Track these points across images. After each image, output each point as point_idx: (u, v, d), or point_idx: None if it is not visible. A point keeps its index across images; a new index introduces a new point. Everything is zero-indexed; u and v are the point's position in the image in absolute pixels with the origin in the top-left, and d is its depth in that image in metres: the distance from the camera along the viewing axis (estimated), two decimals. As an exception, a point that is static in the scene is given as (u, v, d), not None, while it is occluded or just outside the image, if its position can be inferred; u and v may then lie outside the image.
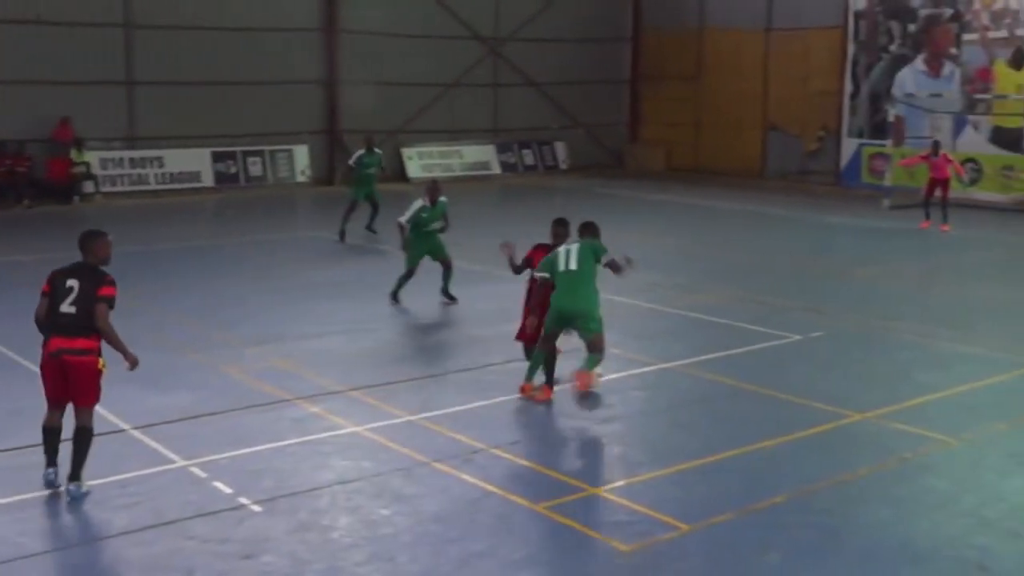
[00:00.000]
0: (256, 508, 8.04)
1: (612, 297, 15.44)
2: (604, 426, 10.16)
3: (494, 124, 34.01)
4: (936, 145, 23.50)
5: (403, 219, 15.09)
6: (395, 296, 15.18)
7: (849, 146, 31.06)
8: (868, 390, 11.37)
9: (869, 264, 19.29)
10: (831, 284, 17.39)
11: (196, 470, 8.74)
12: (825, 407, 10.64)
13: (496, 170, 33.38)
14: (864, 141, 30.55)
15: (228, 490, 8.33)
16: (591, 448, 9.68)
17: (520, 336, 11.30)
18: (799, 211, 26.27)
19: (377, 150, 21.91)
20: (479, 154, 33.32)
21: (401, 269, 15.25)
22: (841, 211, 26.35)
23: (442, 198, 15.36)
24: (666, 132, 36.01)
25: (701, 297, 15.46)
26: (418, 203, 15.16)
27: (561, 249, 10.67)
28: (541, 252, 11.13)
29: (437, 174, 30.61)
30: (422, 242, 15.19)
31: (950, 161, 23.21)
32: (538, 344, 10.80)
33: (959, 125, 28.27)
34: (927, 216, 23.26)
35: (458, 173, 31.97)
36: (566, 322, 10.55)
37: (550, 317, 10.62)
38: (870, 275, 18.17)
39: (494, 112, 34.00)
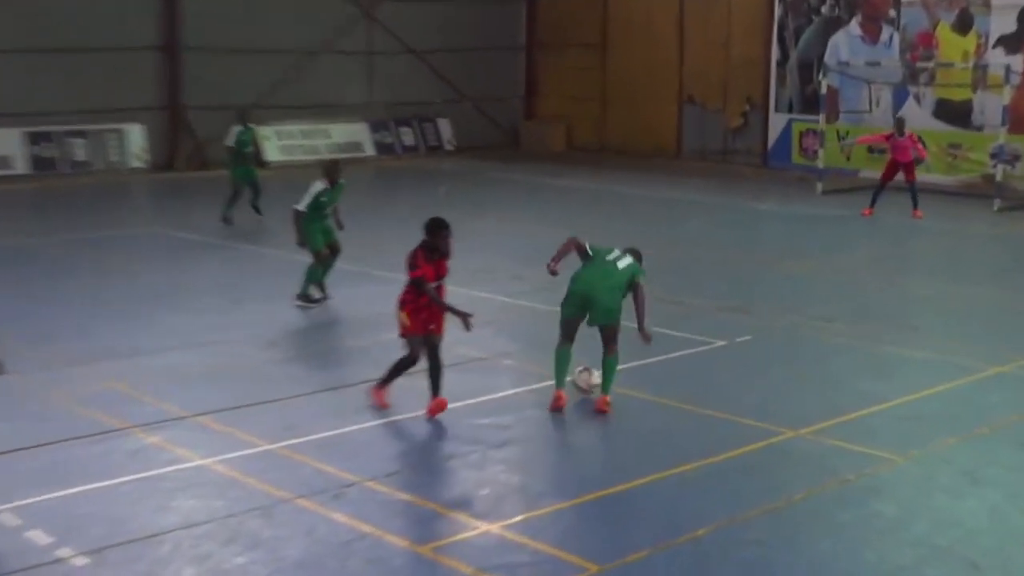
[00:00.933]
0: (81, 561, 7.80)
1: (501, 298, 15.50)
2: (498, 451, 10.12)
3: (367, 98, 33.82)
4: (900, 123, 23.71)
5: (301, 206, 15.21)
6: (307, 295, 15.11)
7: (777, 122, 31.61)
8: (803, 402, 11.54)
9: (802, 257, 19.62)
10: (759, 280, 17.63)
11: (7, 516, 8.46)
12: (754, 423, 10.76)
13: (370, 151, 33.22)
14: (794, 116, 31.11)
15: (47, 539, 8.08)
16: (483, 478, 9.62)
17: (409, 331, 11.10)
18: (721, 197, 26.62)
19: (251, 125, 22.49)
20: (349, 133, 33.11)
21: (256, 267, 15.03)
22: (769, 196, 26.79)
23: (340, 180, 15.59)
24: (568, 107, 36.22)
25: (611, 298, 15.52)
26: (317, 186, 15.27)
27: (617, 250, 11.37)
28: (424, 258, 10.91)
29: (299, 157, 30.32)
30: (320, 228, 15.39)
31: (916, 142, 23.43)
32: (559, 343, 11.15)
33: (900, 97, 28.93)
34: (873, 203, 23.63)
35: (325, 156, 31.63)
36: (584, 305, 11.07)
37: (570, 302, 11.11)
38: (803, 269, 18.48)
39: (367, 84, 33.81)
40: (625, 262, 11.25)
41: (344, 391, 11.66)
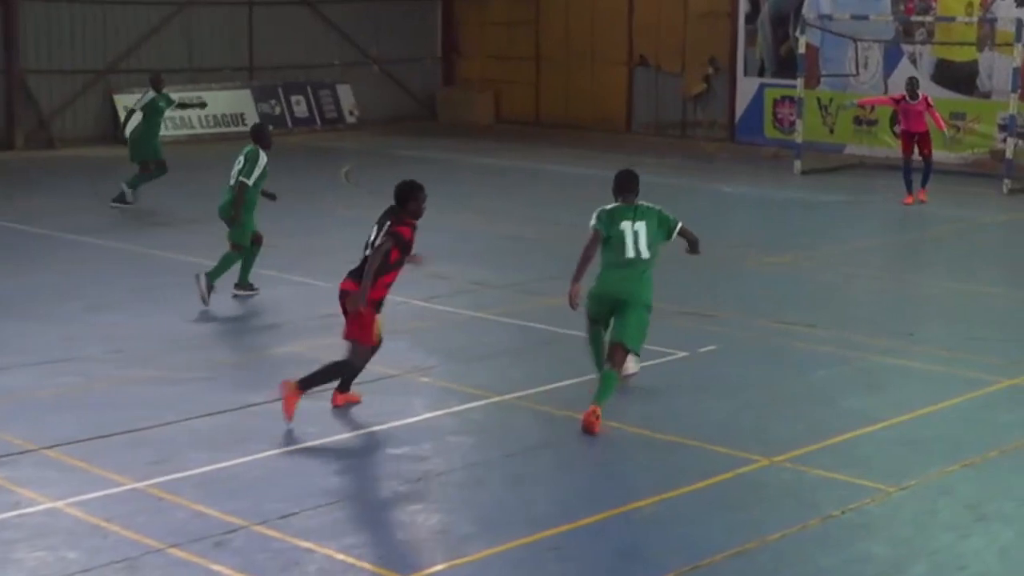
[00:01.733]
0: (-94, 627, 7.77)
1: (416, 303, 15.49)
2: (414, 487, 10.13)
3: (249, 60, 33.65)
4: (912, 84, 23.64)
5: (251, 178, 15.51)
6: (211, 289, 15.20)
7: (747, 87, 31.79)
8: (779, 424, 11.64)
9: (778, 250, 19.75)
10: (727, 279, 17.74)
11: None
12: (721, 450, 10.84)
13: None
14: (766, 81, 31.32)
15: None
16: (397, 519, 9.65)
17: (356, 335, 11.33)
18: (680, 178, 26.72)
19: (166, 91, 22.98)
20: (229, 103, 32.90)
21: (117, 266, 14.91)
22: (738, 177, 26.99)
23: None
24: (495, 70, 36.23)
25: (546, 300, 15.58)
26: (263, 156, 15.60)
27: (627, 226, 11.81)
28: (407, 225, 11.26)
29: (168, 132, 30.09)
30: (254, 211, 15.74)
31: (930, 106, 23.35)
32: (589, 327, 11.89)
33: (892, 58, 29.19)
34: (909, 188, 23.55)
35: (199, 130, 31.50)
36: (611, 306, 11.60)
37: (594, 299, 11.72)
38: (779, 266, 18.63)
39: (249, 43, 33.62)
40: (645, 235, 11.78)
41: (227, 416, 11.59)
